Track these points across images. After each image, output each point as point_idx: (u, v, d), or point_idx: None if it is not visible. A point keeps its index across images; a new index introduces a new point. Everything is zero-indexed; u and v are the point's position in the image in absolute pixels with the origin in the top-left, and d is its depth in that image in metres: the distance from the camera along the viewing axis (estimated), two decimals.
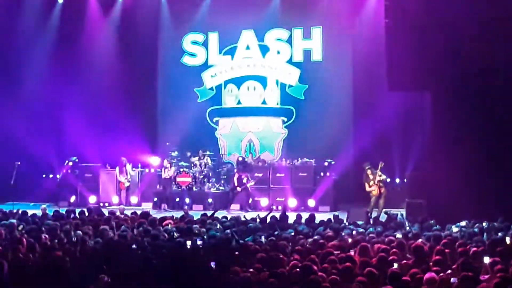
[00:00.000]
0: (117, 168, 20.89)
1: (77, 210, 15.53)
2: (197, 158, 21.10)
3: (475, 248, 10.37)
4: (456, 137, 15.87)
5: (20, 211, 15.18)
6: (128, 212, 15.58)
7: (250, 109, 22.90)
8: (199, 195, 20.58)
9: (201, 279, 8.50)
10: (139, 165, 21.40)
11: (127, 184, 20.75)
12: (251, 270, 9.16)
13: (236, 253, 10.26)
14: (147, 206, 20.23)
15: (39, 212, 15.56)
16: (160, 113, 23.36)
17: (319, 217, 15.08)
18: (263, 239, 11.72)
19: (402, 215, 15.48)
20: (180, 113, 22.53)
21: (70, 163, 21.40)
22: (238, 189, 19.94)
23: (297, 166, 20.51)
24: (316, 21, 22.14)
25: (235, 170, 20.55)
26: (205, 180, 20.92)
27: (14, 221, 13.21)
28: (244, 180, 19.85)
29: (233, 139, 22.98)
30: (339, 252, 10.45)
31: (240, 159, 20.95)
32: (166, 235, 12.03)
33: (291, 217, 15.08)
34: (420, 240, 11.40)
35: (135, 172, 21.10)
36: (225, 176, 21.21)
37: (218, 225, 13.44)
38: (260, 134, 22.82)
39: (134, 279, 8.59)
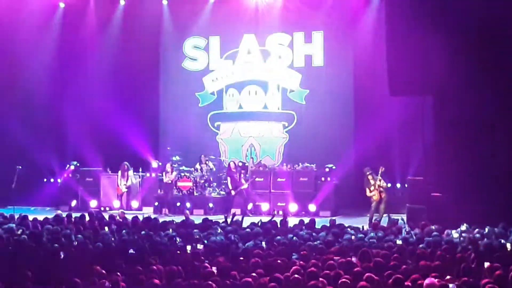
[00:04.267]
0: (119, 172, 20.89)
1: (78, 215, 15.52)
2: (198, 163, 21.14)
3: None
4: (457, 142, 15.86)
5: (20, 216, 15.15)
6: (129, 217, 15.51)
7: (251, 113, 22.89)
8: (200, 199, 20.57)
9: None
10: (140, 170, 21.40)
11: (124, 189, 20.70)
12: (252, 275, 9.15)
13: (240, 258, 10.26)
14: (148, 211, 20.22)
15: (39, 217, 15.51)
16: (162, 117, 23.33)
17: (320, 222, 15.05)
18: (263, 244, 11.72)
19: (403, 219, 15.45)
20: (182, 118, 22.57)
21: (72, 167, 21.40)
22: (233, 192, 19.82)
23: (298, 171, 20.50)
24: (317, 26, 22.14)
25: (226, 174, 20.44)
26: (206, 184, 20.91)
27: (13, 225, 13.19)
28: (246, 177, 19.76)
29: (234, 144, 22.98)
30: (339, 257, 10.45)
31: (240, 164, 20.80)
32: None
33: (292, 222, 15.07)
34: (420, 245, 11.40)
35: (137, 180, 21.05)
36: (226, 181, 21.18)
37: (219, 229, 13.44)
38: (261, 139, 22.80)
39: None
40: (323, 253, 10.83)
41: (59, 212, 16.18)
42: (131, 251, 10.68)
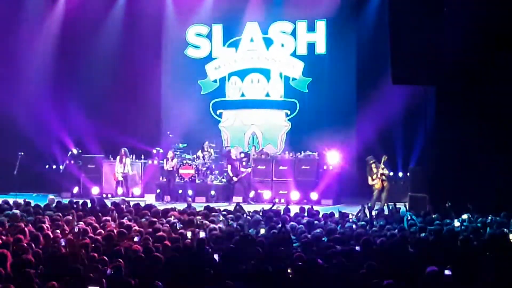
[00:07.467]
0: (118, 158, 20.85)
1: (80, 201, 15.54)
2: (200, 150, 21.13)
3: None
4: (459, 131, 15.84)
5: (23, 202, 15.18)
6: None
7: (254, 101, 22.88)
8: (202, 187, 20.58)
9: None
10: (142, 157, 21.40)
11: (120, 177, 20.65)
12: (252, 262, 9.16)
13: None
14: (150, 198, 20.24)
15: (42, 203, 15.53)
16: (164, 104, 23.35)
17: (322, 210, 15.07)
18: (263, 231, 11.72)
19: (405, 208, 15.46)
20: (184, 105, 22.54)
21: (74, 151, 21.36)
22: (235, 179, 19.79)
23: (300, 159, 20.50)
24: (321, 14, 22.09)
25: (225, 162, 20.41)
26: (208, 172, 20.92)
27: (17, 211, 13.23)
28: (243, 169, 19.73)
29: (236, 132, 22.98)
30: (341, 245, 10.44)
31: (242, 155, 20.77)
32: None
33: (293, 211, 15.08)
34: (422, 234, 11.40)
35: (133, 172, 20.97)
36: (227, 168, 21.16)
37: (221, 217, 13.45)
38: (264, 127, 22.80)
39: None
40: (324, 242, 10.82)
41: (51, 197, 16.25)
42: (135, 239, 10.70)
